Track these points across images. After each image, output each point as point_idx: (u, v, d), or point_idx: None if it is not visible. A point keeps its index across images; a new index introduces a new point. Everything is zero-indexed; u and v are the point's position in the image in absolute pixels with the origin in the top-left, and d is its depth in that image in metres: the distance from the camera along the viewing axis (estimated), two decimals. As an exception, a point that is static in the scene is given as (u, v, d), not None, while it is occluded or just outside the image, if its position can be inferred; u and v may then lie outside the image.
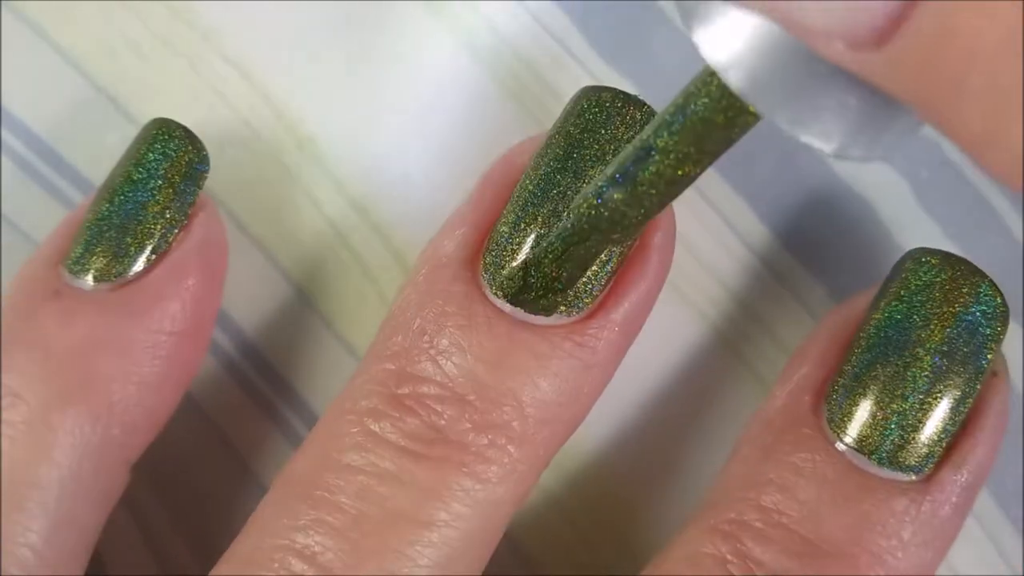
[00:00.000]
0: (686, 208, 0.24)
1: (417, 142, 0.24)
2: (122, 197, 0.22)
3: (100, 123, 0.24)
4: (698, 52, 0.14)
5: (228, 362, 0.25)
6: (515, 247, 0.20)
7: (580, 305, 0.20)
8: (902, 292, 0.20)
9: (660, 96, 0.24)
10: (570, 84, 0.24)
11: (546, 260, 0.19)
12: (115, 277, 0.21)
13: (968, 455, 0.20)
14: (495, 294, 0.20)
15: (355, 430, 0.19)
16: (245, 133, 0.24)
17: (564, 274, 0.19)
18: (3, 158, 0.25)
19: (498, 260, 0.20)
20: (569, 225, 0.19)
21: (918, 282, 0.20)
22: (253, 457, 0.25)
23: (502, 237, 0.20)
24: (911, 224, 0.24)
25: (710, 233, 0.24)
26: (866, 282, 0.24)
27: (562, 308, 0.20)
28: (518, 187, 0.20)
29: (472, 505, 0.19)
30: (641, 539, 0.25)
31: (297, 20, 0.24)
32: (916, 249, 0.21)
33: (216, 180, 0.24)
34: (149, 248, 0.21)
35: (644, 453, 0.25)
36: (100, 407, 0.21)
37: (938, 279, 0.20)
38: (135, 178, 0.22)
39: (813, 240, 0.24)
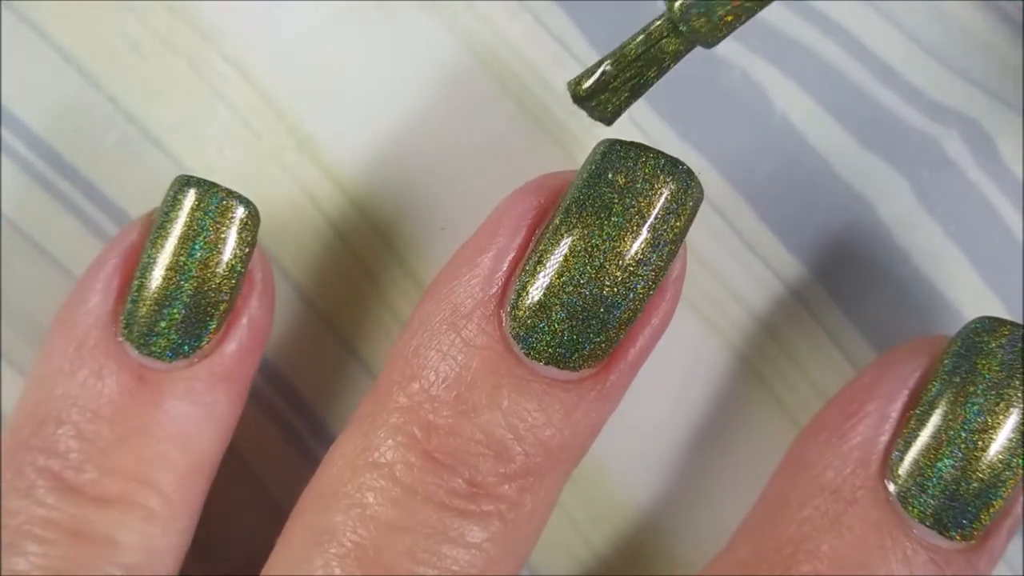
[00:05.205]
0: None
1: (417, 141, 0.24)
2: (184, 275, 0.21)
3: (100, 123, 0.24)
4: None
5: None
6: (547, 312, 0.19)
7: (603, 356, 0.20)
8: (976, 379, 0.20)
9: (660, 94, 0.24)
10: (570, 84, 0.24)
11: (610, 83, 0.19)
12: (192, 352, 0.21)
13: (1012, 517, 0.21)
14: (527, 355, 0.20)
15: (384, 483, 0.20)
16: (245, 133, 0.24)
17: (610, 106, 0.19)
18: (3, 158, 0.25)
19: (527, 322, 0.20)
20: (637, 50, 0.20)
21: (996, 366, 0.20)
22: (253, 456, 0.25)
23: (532, 300, 0.20)
24: (911, 224, 0.24)
25: (710, 233, 0.24)
26: (866, 283, 0.24)
27: (588, 364, 0.20)
28: (540, 247, 0.20)
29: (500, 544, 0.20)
30: (641, 539, 0.25)
31: (297, 20, 0.24)
32: (987, 321, 0.20)
33: (216, 180, 0.24)
34: (220, 314, 0.21)
35: (643, 455, 0.25)
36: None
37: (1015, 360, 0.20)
38: (198, 255, 0.21)
39: (813, 240, 0.24)
